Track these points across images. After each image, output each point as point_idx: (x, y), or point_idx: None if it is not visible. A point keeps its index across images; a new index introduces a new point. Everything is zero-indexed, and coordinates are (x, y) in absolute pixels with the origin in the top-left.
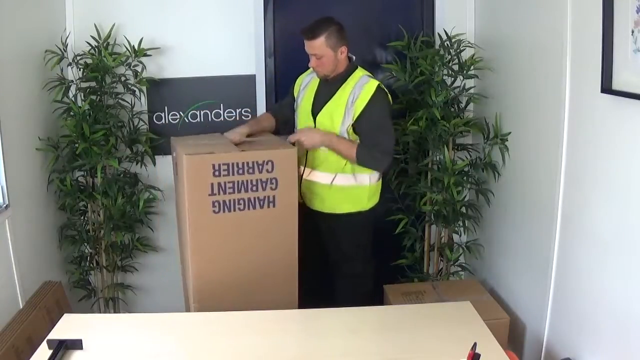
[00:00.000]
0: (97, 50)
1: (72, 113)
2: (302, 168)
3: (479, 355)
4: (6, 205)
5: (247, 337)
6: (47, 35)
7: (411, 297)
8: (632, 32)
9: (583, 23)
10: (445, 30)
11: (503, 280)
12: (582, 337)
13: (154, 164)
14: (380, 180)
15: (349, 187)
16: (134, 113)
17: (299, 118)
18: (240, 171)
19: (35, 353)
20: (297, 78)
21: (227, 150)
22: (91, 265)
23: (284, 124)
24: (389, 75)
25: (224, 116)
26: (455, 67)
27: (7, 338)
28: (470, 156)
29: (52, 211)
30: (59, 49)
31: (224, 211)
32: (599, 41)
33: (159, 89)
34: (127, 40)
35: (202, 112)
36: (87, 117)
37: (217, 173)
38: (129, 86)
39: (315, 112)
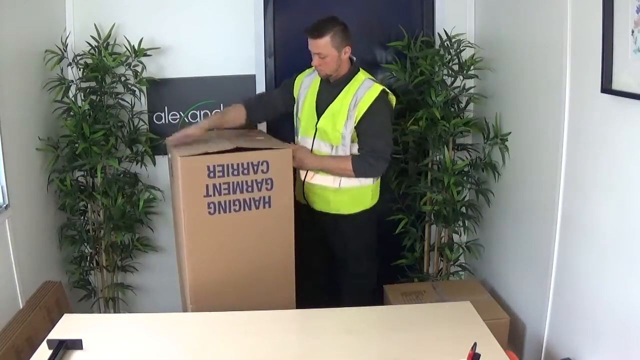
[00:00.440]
0: (97, 50)
1: (72, 113)
2: (303, 172)
3: (479, 355)
4: (6, 205)
5: (247, 337)
6: (47, 35)
7: (411, 297)
8: (632, 32)
9: (583, 23)
10: (445, 30)
11: (503, 280)
12: (582, 337)
13: (154, 164)
14: (380, 178)
15: (355, 189)
16: (134, 113)
17: (302, 118)
18: (235, 172)
19: (35, 353)
20: (295, 77)
21: (222, 151)
22: (91, 265)
23: (255, 122)
24: (389, 75)
25: None
26: (455, 67)
27: (7, 338)
28: (470, 156)
29: (52, 211)
30: (59, 49)
31: (219, 212)
32: (599, 41)
33: (159, 89)
34: (127, 40)
35: (202, 112)
36: (87, 117)
37: (211, 174)
38: (129, 86)
39: (319, 113)
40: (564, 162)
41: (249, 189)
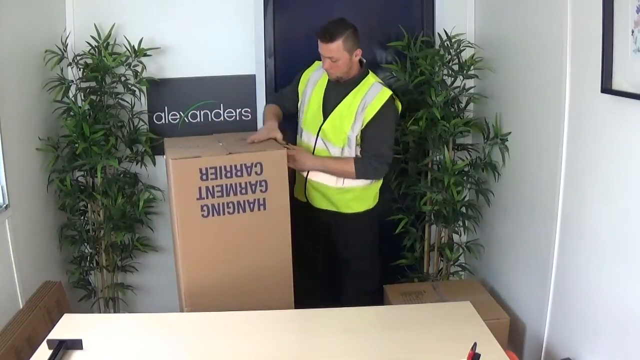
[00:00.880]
0: (97, 50)
1: (72, 113)
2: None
3: (479, 355)
4: (6, 205)
5: (247, 337)
6: (47, 35)
7: (411, 297)
8: (632, 32)
9: (583, 23)
10: (445, 30)
11: (503, 280)
12: (582, 337)
13: (154, 164)
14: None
15: (359, 188)
16: (134, 113)
17: (306, 116)
18: (229, 174)
19: (35, 353)
20: (301, 73)
21: (214, 153)
22: (91, 265)
23: (285, 115)
24: (389, 75)
25: (224, 116)
26: (455, 67)
27: (7, 338)
28: (470, 156)
29: (52, 211)
30: (59, 49)
31: (212, 215)
32: (599, 41)
33: (159, 89)
34: (127, 40)
35: (202, 112)
36: (87, 117)
37: (204, 177)
38: (129, 86)
39: (326, 113)
40: (564, 162)
41: (243, 191)
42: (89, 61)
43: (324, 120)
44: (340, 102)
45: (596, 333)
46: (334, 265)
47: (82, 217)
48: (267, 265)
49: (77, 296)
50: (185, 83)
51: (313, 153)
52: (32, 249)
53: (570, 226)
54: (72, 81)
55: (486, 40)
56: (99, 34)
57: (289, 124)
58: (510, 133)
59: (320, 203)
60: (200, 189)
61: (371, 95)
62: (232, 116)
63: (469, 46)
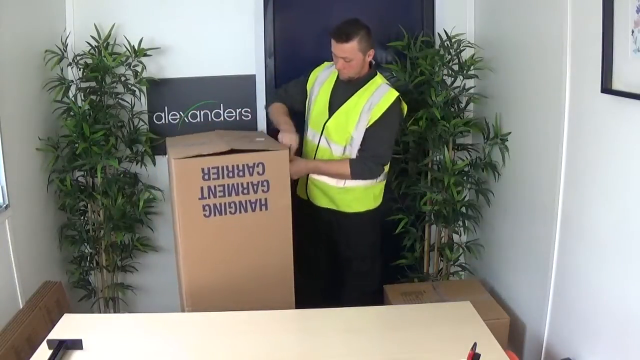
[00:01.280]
0: (97, 50)
1: (72, 113)
2: None
3: (479, 355)
4: (6, 205)
5: (247, 337)
6: (47, 35)
7: (411, 297)
8: (632, 32)
9: (583, 23)
10: (445, 30)
11: (503, 280)
12: (582, 337)
13: (154, 164)
14: (385, 179)
15: (360, 188)
16: (134, 113)
17: (312, 114)
18: (230, 174)
19: (35, 353)
20: (310, 72)
21: (217, 149)
22: (91, 265)
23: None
24: (389, 75)
25: (224, 116)
26: (455, 67)
27: (7, 338)
28: (470, 156)
29: (52, 211)
30: (59, 49)
31: (214, 215)
32: (599, 41)
33: (159, 89)
34: (127, 40)
35: (202, 112)
36: (87, 117)
37: (206, 177)
38: (129, 86)
39: (331, 111)
40: (564, 162)
41: (245, 191)
42: (89, 61)
43: (328, 119)
44: (346, 101)
45: (596, 333)
46: (335, 265)
47: (82, 217)
48: (268, 265)
49: (77, 296)
50: (185, 83)
51: (316, 151)
52: (32, 249)
53: (570, 226)
54: (72, 81)
55: (486, 40)
56: (99, 34)
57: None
58: (510, 133)
59: (322, 201)
60: (202, 188)
61: (378, 96)
62: (232, 116)
63: (469, 46)
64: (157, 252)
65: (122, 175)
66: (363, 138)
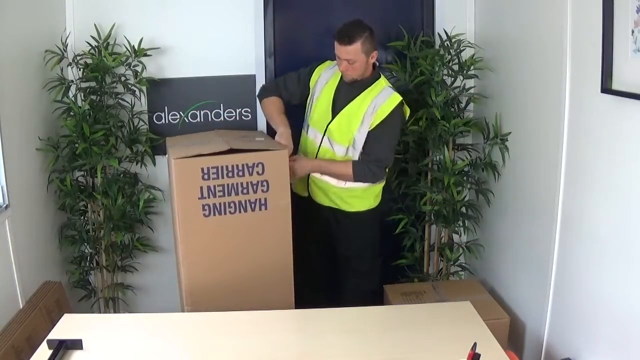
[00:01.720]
0: (97, 50)
1: (72, 113)
2: None
3: (479, 355)
4: (6, 205)
5: (247, 337)
6: (47, 35)
7: (411, 297)
8: (632, 32)
9: (583, 23)
10: (445, 30)
11: (503, 280)
12: (582, 337)
13: (154, 164)
14: (385, 179)
15: (360, 188)
16: (134, 113)
17: (314, 114)
18: (230, 174)
19: (35, 353)
20: (312, 67)
21: (216, 153)
22: (91, 265)
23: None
24: (389, 75)
25: (224, 116)
26: (455, 67)
27: (7, 338)
28: (470, 156)
29: (52, 211)
30: (59, 49)
31: (214, 214)
32: (599, 41)
33: (159, 89)
34: (127, 40)
35: (202, 112)
36: (87, 117)
37: (206, 176)
38: (129, 86)
39: (335, 112)
40: (564, 162)
41: (245, 191)
42: (89, 61)
43: (332, 119)
44: (349, 103)
45: (596, 333)
46: (335, 264)
47: (82, 217)
48: (268, 265)
49: (77, 296)
50: (185, 83)
51: (318, 150)
52: (32, 249)
53: (570, 226)
54: (72, 81)
55: (486, 40)
56: (99, 34)
57: (293, 120)
58: (510, 133)
59: (322, 199)
60: (201, 188)
61: (382, 99)
62: (232, 116)
63: (469, 46)
64: (157, 252)
65: (122, 175)
66: (365, 141)
